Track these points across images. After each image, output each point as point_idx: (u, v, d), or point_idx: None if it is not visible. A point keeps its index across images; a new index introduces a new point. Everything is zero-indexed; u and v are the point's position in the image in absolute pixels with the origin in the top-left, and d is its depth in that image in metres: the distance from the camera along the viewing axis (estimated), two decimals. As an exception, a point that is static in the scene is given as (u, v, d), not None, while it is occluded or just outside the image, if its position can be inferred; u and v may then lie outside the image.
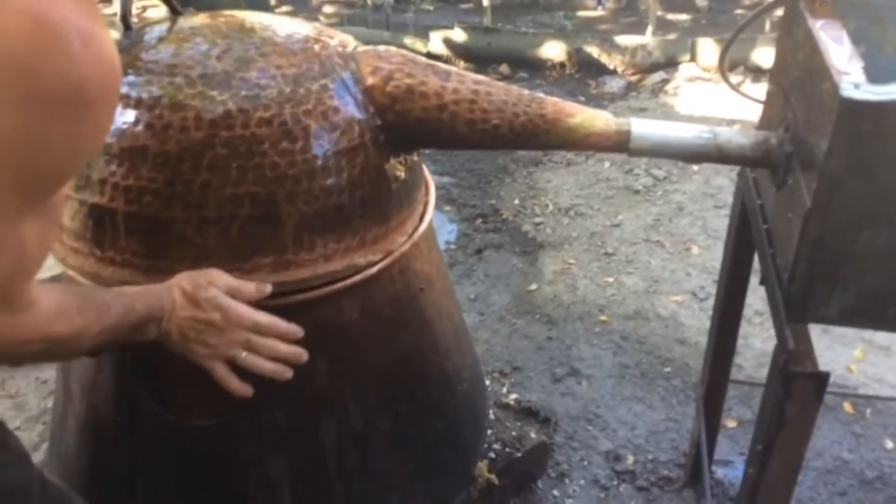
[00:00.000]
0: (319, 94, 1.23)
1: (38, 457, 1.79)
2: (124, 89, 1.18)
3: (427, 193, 1.51)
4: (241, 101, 1.17)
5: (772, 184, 1.36)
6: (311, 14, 4.82)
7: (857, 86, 1.07)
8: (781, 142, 1.29)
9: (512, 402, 2.19)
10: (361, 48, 1.33)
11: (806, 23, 1.26)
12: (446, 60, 4.01)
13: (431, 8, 4.97)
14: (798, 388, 1.21)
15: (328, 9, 5.01)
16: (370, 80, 1.27)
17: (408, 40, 4.01)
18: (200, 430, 1.32)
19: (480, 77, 1.35)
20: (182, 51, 1.21)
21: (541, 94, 1.37)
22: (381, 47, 1.34)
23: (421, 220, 1.45)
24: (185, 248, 1.21)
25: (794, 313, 1.23)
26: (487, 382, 2.27)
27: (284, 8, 5.20)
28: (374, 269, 1.32)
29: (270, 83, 1.20)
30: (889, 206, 1.13)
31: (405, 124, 1.30)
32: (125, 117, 1.18)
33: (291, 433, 1.36)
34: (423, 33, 4.25)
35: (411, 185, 1.40)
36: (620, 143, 1.35)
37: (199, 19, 1.31)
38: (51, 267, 1.39)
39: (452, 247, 2.81)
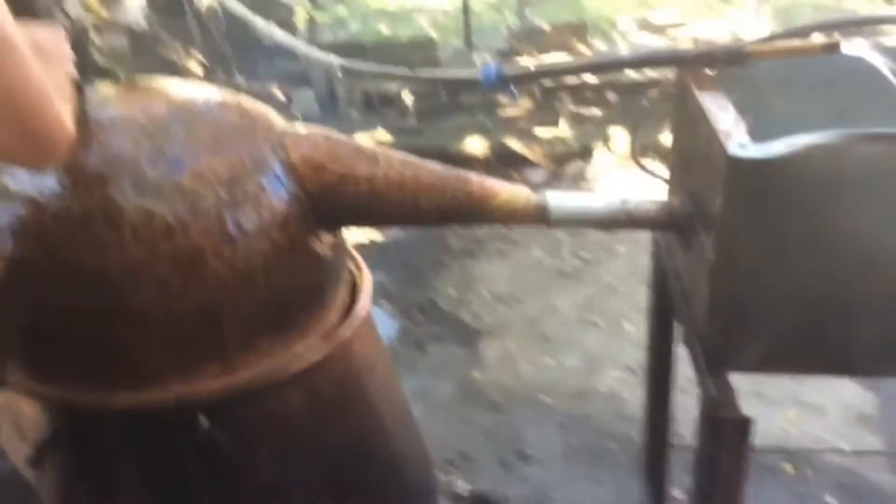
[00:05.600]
0: (256, 194, 1.22)
1: None
2: (54, 200, 1.15)
3: (361, 274, 1.54)
4: (180, 213, 1.15)
5: (681, 245, 1.46)
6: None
7: (742, 146, 1.18)
8: (683, 204, 1.39)
9: (464, 493, 2.19)
10: (288, 131, 1.32)
11: (695, 96, 1.39)
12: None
13: (357, 114, 5.12)
14: (727, 434, 1.26)
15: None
16: (302, 170, 1.27)
17: (336, 146, 4.13)
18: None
19: (408, 158, 1.38)
20: (107, 151, 1.18)
21: (466, 173, 1.42)
22: (308, 130, 1.34)
23: (357, 301, 1.47)
24: (129, 365, 1.20)
25: (713, 364, 1.29)
26: (438, 473, 2.27)
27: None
28: (318, 357, 1.34)
29: (206, 189, 1.18)
30: (787, 253, 1.22)
31: (336, 209, 1.32)
32: (60, 234, 1.15)
33: (237, 528, 1.35)
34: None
35: (339, 263, 1.42)
36: (542, 218, 1.43)
37: (111, 101, 1.28)
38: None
39: (395, 342, 2.84)
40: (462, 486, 2.18)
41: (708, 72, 1.46)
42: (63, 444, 1.22)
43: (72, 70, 1.10)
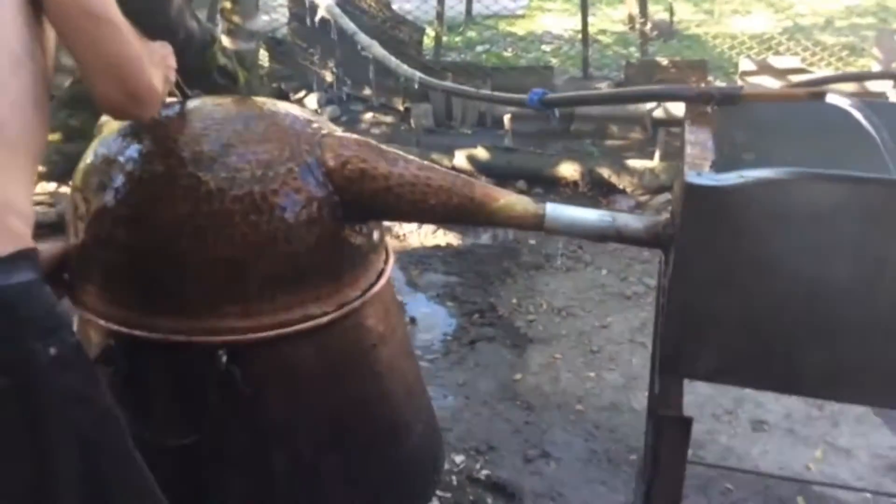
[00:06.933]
0: (286, 176, 1.49)
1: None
2: (131, 165, 1.49)
3: (386, 261, 1.77)
4: (220, 182, 1.45)
5: (665, 262, 1.60)
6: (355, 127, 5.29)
7: (698, 174, 1.33)
8: (666, 225, 1.54)
9: (482, 477, 2.38)
10: (327, 134, 1.59)
11: (685, 129, 1.54)
12: (470, 174, 4.36)
13: (469, 131, 5.39)
14: (667, 430, 1.40)
15: (374, 129, 5.48)
16: (331, 164, 1.54)
17: (435, 156, 4.40)
18: (173, 449, 1.56)
19: (425, 163, 1.63)
20: (182, 135, 1.52)
21: (472, 180, 1.65)
22: (345, 134, 1.62)
23: (377, 280, 1.70)
24: (170, 298, 1.50)
25: (665, 368, 1.43)
26: (463, 458, 2.46)
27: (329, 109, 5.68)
28: (326, 318, 1.58)
29: (245, 167, 1.47)
30: (735, 276, 1.35)
31: (359, 201, 1.57)
32: (132, 188, 1.48)
33: (247, 457, 1.59)
34: (451, 152, 4.64)
35: (366, 249, 1.65)
36: (537, 224, 1.61)
37: (202, 106, 1.61)
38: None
39: (449, 338, 3.06)
40: (481, 472, 2.37)
41: (707, 109, 1.60)
42: (112, 362, 1.51)
43: (171, 75, 1.46)
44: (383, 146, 1.64)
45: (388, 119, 5.73)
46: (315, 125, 1.63)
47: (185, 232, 1.46)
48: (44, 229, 3.74)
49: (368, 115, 5.73)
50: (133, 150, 1.53)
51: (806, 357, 1.37)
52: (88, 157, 1.59)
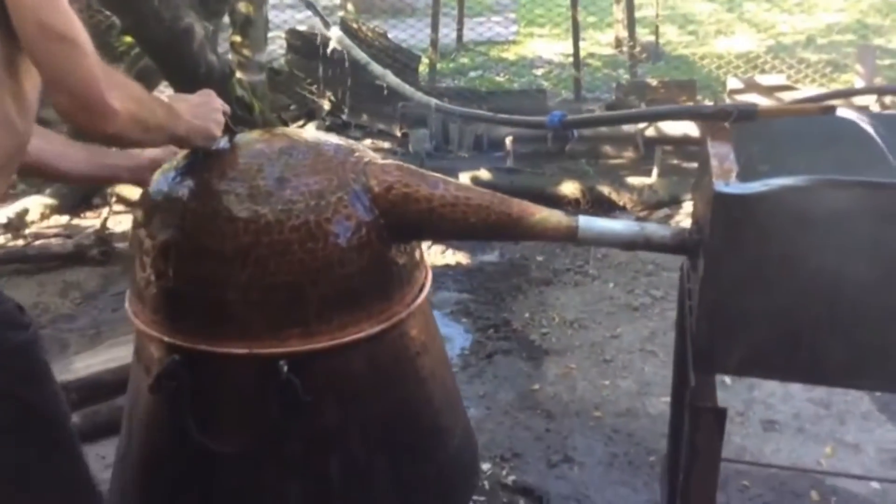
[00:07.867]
0: (336, 204, 1.59)
1: None
2: (193, 203, 1.59)
3: (426, 276, 1.88)
4: (278, 214, 1.55)
5: (691, 268, 1.72)
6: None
7: (727, 183, 1.46)
8: (692, 231, 1.66)
9: (510, 483, 2.48)
10: (370, 162, 1.71)
11: (706, 144, 1.67)
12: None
13: (467, 155, 5.53)
14: (704, 420, 1.51)
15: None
16: (376, 190, 1.64)
17: (440, 179, 4.53)
18: (234, 456, 1.66)
19: (463, 184, 1.75)
20: (237, 172, 1.61)
21: (509, 198, 1.77)
22: (386, 161, 1.75)
23: (419, 294, 1.81)
24: (235, 323, 1.59)
25: (699, 364, 1.55)
26: (489, 465, 2.56)
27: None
28: (376, 330, 1.69)
29: (300, 198, 1.57)
30: (763, 275, 1.47)
31: (403, 223, 1.67)
32: (195, 225, 1.58)
33: (305, 462, 1.69)
34: (454, 174, 4.77)
35: (410, 266, 1.77)
36: (570, 235, 1.73)
37: (250, 141, 1.72)
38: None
39: (467, 352, 3.16)
40: (508, 478, 2.47)
41: (724, 125, 1.73)
42: (176, 377, 1.60)
43: (219, 118, 1.59)
44: (421, 170, 1.76)
45: (386, 145, 5.86)
46: (357, 154, 1.74)
47: (248, 262, 1.55)
48: (61, 261, 3.81)
49: (367, 142, 5.86)
50: (193, 187, 1.62)
51: (829, 349, 1.48)
52: (150, 195, 1.68)
